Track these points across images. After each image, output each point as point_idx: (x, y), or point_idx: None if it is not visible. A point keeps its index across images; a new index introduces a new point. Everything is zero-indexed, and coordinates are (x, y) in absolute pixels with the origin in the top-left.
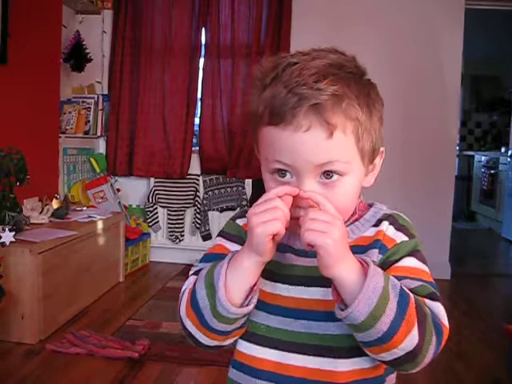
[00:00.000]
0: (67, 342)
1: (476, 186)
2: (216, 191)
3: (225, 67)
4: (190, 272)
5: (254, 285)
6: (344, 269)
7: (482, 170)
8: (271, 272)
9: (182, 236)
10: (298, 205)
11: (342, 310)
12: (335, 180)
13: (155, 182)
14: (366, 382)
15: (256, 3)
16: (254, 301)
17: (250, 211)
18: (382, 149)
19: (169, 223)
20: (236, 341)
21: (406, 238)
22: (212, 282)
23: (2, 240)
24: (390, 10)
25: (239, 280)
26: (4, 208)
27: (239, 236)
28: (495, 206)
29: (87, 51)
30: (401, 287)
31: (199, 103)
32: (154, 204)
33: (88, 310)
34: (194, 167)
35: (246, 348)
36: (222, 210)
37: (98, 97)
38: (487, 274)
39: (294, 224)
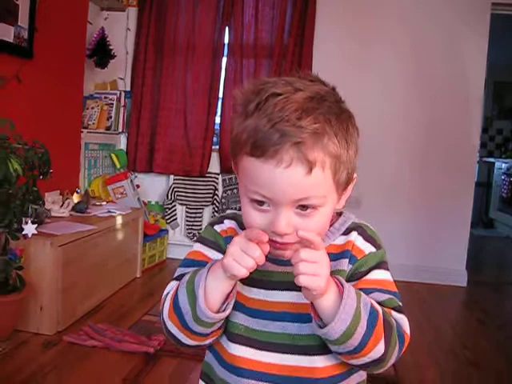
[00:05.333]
0: (84, 335)
1: (495, 193)
2: (235, 190)
3: (247, 67)
4: (173, 276)
5: (231, 291)
6: (326, 296)
7: (502, 177)
8: (250, 278)
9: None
10: (273, 230)
11: (320, 327)
12: (310, 211)
13: (174, 180)
14: (344, 375)
15: (280, 4)
16: (230, 306)
17: (230, 247)
18: (354, 175)
19: (187, 221)
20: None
21: (373, 249)
22: (193, 289)
23: (24, 232)
24: (414, 13)
25: (216, 289)
26: (27, 201)
27: (217, 242)
28: None
29: (111, 48)
30: (371, 305)
31: (220, 102)
32: (173, 201)
33: (105, 303)
34: (214, 166)
35: (228, 346)
36: (240, 209)
37: (120, 93)
38: (504, 283)
39: (271, 245)
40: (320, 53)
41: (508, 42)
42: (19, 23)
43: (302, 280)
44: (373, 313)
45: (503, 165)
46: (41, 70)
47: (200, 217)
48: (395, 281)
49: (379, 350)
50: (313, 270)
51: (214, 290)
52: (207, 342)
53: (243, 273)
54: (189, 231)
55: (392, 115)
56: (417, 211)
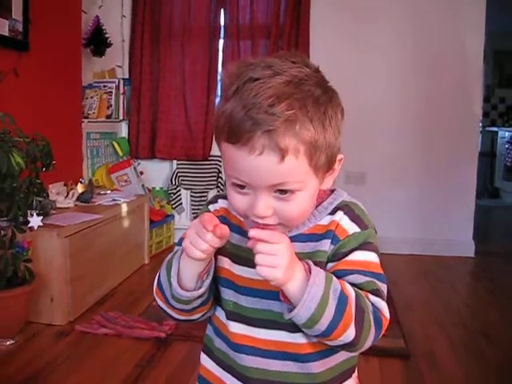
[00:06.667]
0: (96, 323)
1: (499, 162)
2: None
3: (244, 48)
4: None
5: (203, 271)
6: (290, 284)
7: (506, 146)
8: (237, 255)
9: None
10: (252, 213)
11: (287, 309)
12: (289, 195)
13: (178, 164)
14: (331, 351)
15: None
16: (205, 284)
17: (187, 230)
18: (339, 157)
19: (192, 205)
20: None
21: (358, 230)
22: (170, 268)
23: (30, 224)
24: None
25: (187, 269)
26: (31, 193)
27: None
28: None
29: (107, 36)
30: (341, 290)
31: (219, 84)
32: (177, 186)
33: (115, 291)
34: (216, 149)
35: (224, 320)
36: None
37: (119, 81)
38: None
39: (255, 226)
40: (317, 31)
41: (507, 11)
42: (13, 16)
43: (259, 270)
44: (342, 298)
45: (506, 133)
46: (37, 62)
47: (205, 200)
48: (401, 255)
49: (349, 334)
50: (269, 261)
51: (185, 270)
52: (195, 317)
53: (198, 255)
54: (194, 215)
55: (392, 89)
56: (421, 184)
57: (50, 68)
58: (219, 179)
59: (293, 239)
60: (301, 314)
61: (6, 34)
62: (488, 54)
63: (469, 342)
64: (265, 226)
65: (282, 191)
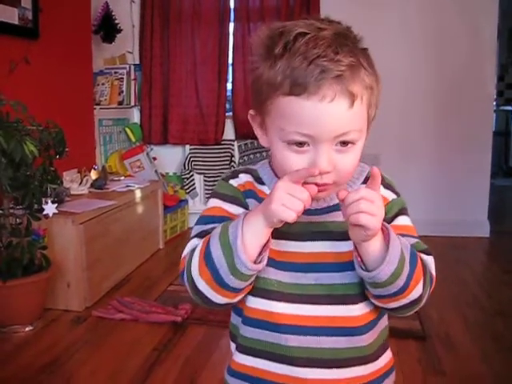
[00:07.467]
0: (112, 309)
1: None
2: (251, 156)
3: (255, 31)
4: (192, 235)
5: (266, 242)
6: (376, 239)
7: None
8: (276, 230)
9: None
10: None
11: (364, 270)
12: (349, 147)
13: (190, 149)
14: (375, 321)
15: None
16: (265, 258)
17: (275, 192)
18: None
19: (206, 189)
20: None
21: (394, 196)
22: (228, 241)
23: (45, 212)
24: None
25: (254, 239)
26: (45, 181)
27: (235, 197)
28: None
29: (116, 22)
30: (410, 247)
31: (231, 68)
32: (191, 171)
33: (130, 276)
34: (229, 133)
35: (260, 304)
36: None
37: (129, 67)
38: None
39: (309, 188)
40: (327, 11)
41: None
42: (22, 4)
43: (363, 218)
44: (413, 253)
45: None
46: (48, 49)
47: None
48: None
49: (419, 289)
50: (372, 209)
51: (251, 241)
52: (237, 299)
53: (293, 217)
54: (208, 200)
55: (403, 68)
56: (435, 164)
57: (60, 55)
58: (232, 163)
59: (338, 208)
60: (385, 270)
61: (16, 22)
62: (503, 32)
63: (485, 322)
64: (323, 186)
65: (344, 143)
